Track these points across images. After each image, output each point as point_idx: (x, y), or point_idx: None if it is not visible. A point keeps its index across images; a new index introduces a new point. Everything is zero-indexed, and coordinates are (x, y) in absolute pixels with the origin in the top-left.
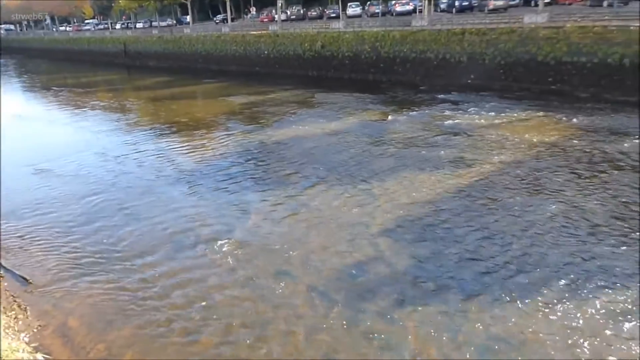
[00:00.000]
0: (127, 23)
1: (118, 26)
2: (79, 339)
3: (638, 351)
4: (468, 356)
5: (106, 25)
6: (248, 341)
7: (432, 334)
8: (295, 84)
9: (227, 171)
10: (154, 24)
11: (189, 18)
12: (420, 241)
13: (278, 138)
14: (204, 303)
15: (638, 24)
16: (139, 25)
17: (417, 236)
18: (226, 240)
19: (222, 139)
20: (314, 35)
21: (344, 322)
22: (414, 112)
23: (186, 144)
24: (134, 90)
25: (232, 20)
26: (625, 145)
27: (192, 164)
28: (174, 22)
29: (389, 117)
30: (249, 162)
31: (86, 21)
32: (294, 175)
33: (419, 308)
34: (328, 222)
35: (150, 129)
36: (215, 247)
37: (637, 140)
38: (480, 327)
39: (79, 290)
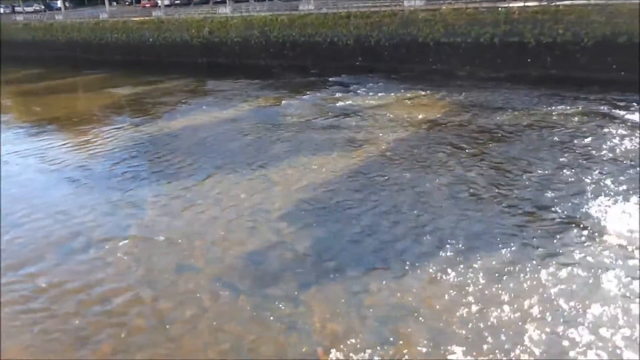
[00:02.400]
0: None
1: None
2: None
3: (524, 306)
4: (370, 327)
5: None
6: (151, 343)
7: (336, 310)
8: (184, 72)
9: (117, 167)
10: (17, 9)
11: (59, 3)
12: (320, 222)
13: (170, 129)
14: (99, 308)
15: (505, 5)
16: None
17: (316, 218)
18: (121, 240)
19: (109, 133)
20: (200, 21)
21: (251, 310)
22: (307, 96)
23: (69, 141)
24: None
25: (110, 4)
26: (499, 118)
27: (78, 162)
28: (42, 7)
29: (283, 102)
30: (141, 156)
31: None
32: (190, 167)
33: (322, 287)
34: (228, 211)
35: (24, 127)
36: (109, 247)
37: (509, 114)
38: (381, 299)
39: None
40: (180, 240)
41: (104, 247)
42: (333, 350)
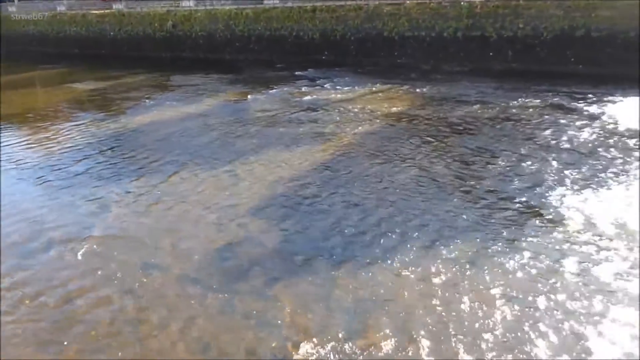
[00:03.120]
0: None
1: None
2: None
3: (489, 294)
4: (339, 320)
5: None
6: (117, 343)
7: (305, 304)
8: (148, 67)
9: (79, 165)
10: None
11: None
12: (288, 217)
13: (134, 125)
14: (61, 311)
15: None
16: None
17: (284, 213)
18: (84, 239)
19: (70, 130)
20: (163, 14)
21: (220, 306)
22: (273, 90)
23: (25, 138)
24: None
25: None
26: (463, 111)
27: (36, 160)
28: None
29: (249, 97)
30: (104, 153)
31: None
32: (155, 163)
33: (291, 282)
34: (195, 208)
35: None
36: (72, 248)
37: (472, 107)
38: (349, 292)
39: None
40: (146, 239)
41: (66, 247)
42: (303, 344)
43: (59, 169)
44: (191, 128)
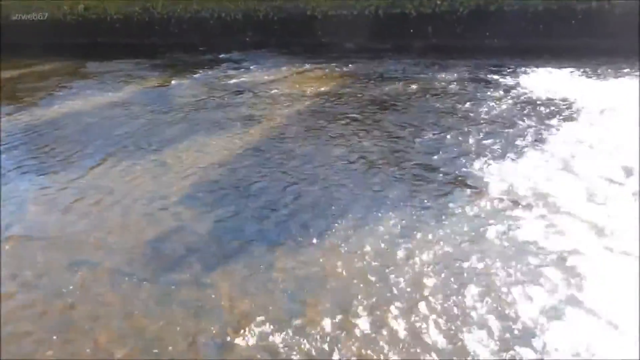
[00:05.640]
0: None
1: None
2: None
3: (420, 264)
4: (278, 301)
5: None
6: (47, 347)
7: (243, 289)
8: (60, 54)
9: None
10: None
11: None
12: (220, 202)
13: (50, 117)
14: None
15: None
16: None
17: (216, 198)
18: (1, 241)
19: None
20: None
21: (156, 298)
22: (198, 75)
23: None
24: None
25: None
26: (388, 88)
27: None
28: None
29: (172, 82)
30: (19, 148)
31: None
32: (76, 155)
33: (228, 267)
34: (122, 200)
35: None
36: None
37: (396, 83)
38: (286, 273)
39: None
40: (71, 236)
41: None
42: (243, 328)
43: None
44: (113, 117)
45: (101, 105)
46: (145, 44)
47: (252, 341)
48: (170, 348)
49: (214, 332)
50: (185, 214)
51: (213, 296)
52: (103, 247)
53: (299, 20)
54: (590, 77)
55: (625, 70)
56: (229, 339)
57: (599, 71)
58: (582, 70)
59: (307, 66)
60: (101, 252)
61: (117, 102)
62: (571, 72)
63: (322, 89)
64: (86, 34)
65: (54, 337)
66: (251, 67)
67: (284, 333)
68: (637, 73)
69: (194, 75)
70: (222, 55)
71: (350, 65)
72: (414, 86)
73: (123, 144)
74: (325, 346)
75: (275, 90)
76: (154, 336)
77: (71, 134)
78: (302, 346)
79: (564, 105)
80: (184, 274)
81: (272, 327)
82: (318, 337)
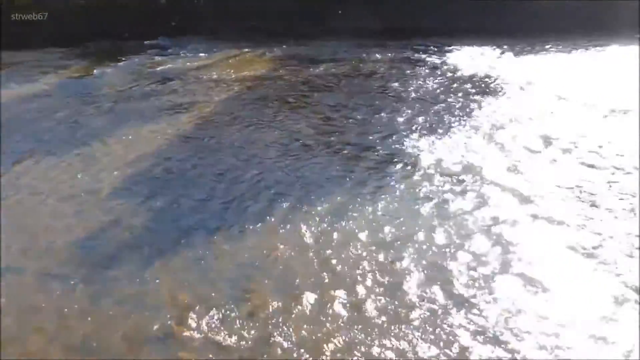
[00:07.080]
0: None
1: None
2: None
3: (359, 241)
4: (221, 290)
5: None
6: None
7: (185, 280)
8: None
9: None
10: None
11: None
12: (155, 194)
13: None
14: None
15: None
16: None
17: (150, 190)
18: None
19: None
20: None
21: (91, 298)
22: (122, 63)
23: None
24: None
25: None
26: (318, 70)
27: None
28: None
29: (95, 71)
30: None
31: None
32: None
33: (167, 259)
34: (49, 198)
35: None
36: None
37: (326, 65)
38: (227, 260)
39: None
40: None
41: None
42: (187, 320)
43: None
44: (31, 111)
45: (17, 99)
46: (64, 32)
47: (197, 334)
48: (108, 349)
49: (156, 327)
50: (118, 209)
51: (153, 291)
52: (29, 251)
53: (226, 3)
54: (512, 55)
55: (547, 47)
56: (172, 331)
57: (519, 49)
58: (504, 48)
59: (237, 51)
60: (27, 256)
61: (35, 95)
62: (494, 49)
63: (253, 73)
64: None
65: None
66: (180, 54)
67: (229, 322)
68: (554, 50)
69: (118, 64)
70: (147, 42)
71: (280, 48)
72: (344, 67)
73: (45, 140)
74: (271, 331)
75: (206, 76)
76: (91, 338)
77: None
78: (248, 334)
79: (487, 81)
80: (120, 270)
81: (216, 316)
82: (263, 323)
